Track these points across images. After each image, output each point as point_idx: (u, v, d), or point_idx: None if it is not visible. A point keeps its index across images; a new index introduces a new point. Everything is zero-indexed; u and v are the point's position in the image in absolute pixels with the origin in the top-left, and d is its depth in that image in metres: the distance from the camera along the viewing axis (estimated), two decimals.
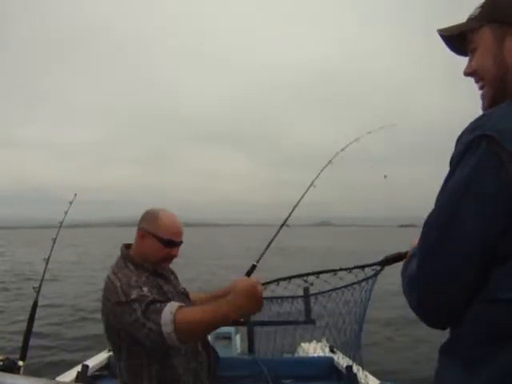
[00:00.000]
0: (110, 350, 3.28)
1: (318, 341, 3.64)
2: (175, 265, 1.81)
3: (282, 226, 1.95)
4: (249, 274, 2.08)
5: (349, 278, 2.27)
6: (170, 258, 1.72)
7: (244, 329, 3.31)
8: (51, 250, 2.78)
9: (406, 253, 1.50)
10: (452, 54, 1.02)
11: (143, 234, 1.69)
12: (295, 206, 2.00)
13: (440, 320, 0.84)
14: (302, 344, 3.84)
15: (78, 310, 10.20)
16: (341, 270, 2.05)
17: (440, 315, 0.82)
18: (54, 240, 2.81)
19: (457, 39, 0.98)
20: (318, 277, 2.11)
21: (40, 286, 2.75)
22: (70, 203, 2.89)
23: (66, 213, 2.88)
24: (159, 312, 1.41)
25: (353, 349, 2.57)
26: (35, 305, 2.76)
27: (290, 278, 2.44)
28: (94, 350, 3.55)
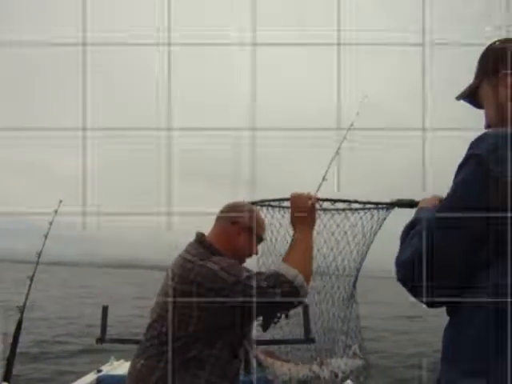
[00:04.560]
0: (98, 371, 3.15)
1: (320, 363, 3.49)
2: None
3: (322, 181, 1.82)
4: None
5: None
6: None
7: None
8: (36, 266, 2.68)
9: (416, 203, 1.49)
10: None
11: (241, 229, 1.51)
12: (332, 159, 1.90)
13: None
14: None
15: None
16: (355, 202, 1.93)
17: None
18: (39, 256, 2.72)
19: (474, 97, 1.05)
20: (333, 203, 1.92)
21: (24, 305, 2.63)
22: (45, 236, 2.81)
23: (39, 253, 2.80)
24: (277, 274, 1.36)
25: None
26: (19, 324, 2.65)
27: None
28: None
